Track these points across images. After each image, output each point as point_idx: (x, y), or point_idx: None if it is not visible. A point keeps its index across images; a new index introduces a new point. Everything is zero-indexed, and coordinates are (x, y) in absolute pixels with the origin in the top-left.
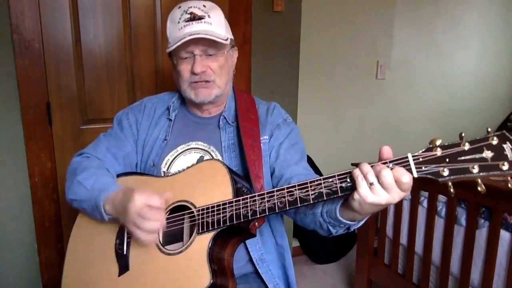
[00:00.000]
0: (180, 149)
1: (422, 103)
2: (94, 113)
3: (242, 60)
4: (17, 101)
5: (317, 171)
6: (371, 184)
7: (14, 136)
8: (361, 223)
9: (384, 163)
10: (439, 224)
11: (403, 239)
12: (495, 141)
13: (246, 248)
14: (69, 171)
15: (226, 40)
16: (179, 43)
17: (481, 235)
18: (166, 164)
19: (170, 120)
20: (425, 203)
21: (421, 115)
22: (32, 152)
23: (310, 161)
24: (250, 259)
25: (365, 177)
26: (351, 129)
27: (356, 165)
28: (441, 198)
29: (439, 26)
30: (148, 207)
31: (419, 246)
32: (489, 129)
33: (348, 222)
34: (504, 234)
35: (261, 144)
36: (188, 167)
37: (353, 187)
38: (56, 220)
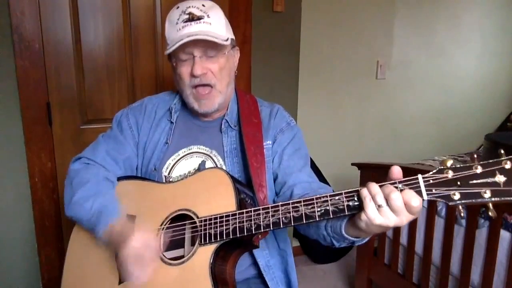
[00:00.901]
0: (181, 153)
1: (422, 103)
2: (94, 113)
3: (242, 60)
4: (17, 101)
5: (317, 171)
6: (379, 206)
7: (14, 136)
8: (366, 239)
9: (393, 184)
10: (439, 224)
11: (403, 239)
12: (508, 165)
13: (251, 253)
14: (66, 180)
15: (227, 40)
16: (177, 45)
17: (481, 235)
18: (167, 168)
19: (172, 122)
20: (425, 203)
21: (421, 115)
22: (32, 152)
23: (310, 162)
24: (253, 263)
25: (373, 198)
26: (351, 129)
27: (357, 165)
28: None
29: (439, 26)
30: (144, 249)
31: (419, 246)
32: (502, 151)
33: (353, 238)
34: (504, 234)
35: (264, 150)
36: (190, 174)
37: (360, 207)
38: (56, 220)
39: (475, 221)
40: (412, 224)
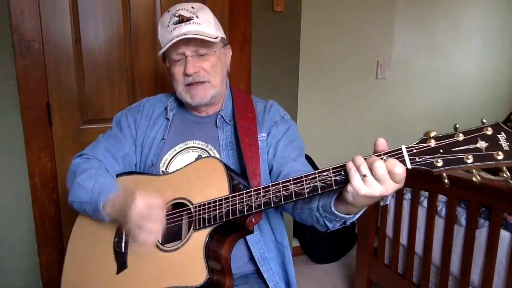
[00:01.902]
0: (178, 148)
1: (422, 103)
2: (94, 113)
3: (242, 60)
4: (17, 101)
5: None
6: (364, 176)
7: (14, 136)
8: (357, 216)
9: (378, 155)
10: (439, 224)
11: (403, 239)
12: (489, 132)
13: (248, 247)
14: (69, 173)
15: (216, 38)
16: (168, 45)
17: (481, 235)
18: (164, 163)
19: (168, 119)
20: (425, 203)
21: (421, 115)
22: (32, 152)
23: (310, 161)
24: (251, 258)
25: (358, 169)
26: (351, 129)
27: None
28: (441, 198)
29: (439, 26)
30: (150, 208)
31: (419, 246)
32: (484, 120)
33: (343, 215)
34: (504, 234)
35: (259, 142)
36: (186, 165)
37: (347, 180)
38: (56, 220)
39: (475, 221)
40: (412, 224)
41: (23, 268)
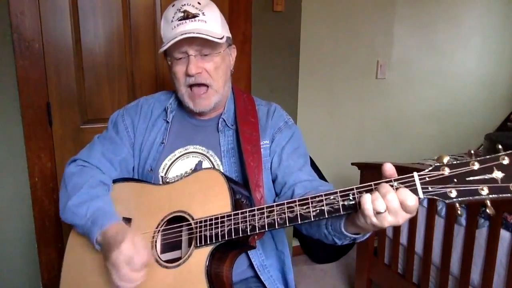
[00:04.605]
0: (178, 153)
1: (422, 102)
2: (94, 113)
3: (242, 60)
4: (17, 101)
5: (317, 171)
6: (378, 213)
7: (14, 136)
8: (367, 236)
9: (389, 182)
10: (439, 224)
11: (403, 239)
12: (505, 161)
13: (247, 254)
14: (62, 183)
15: (222, 38)
16: (170, 43)
17: (481, 234)
18: (163, 169)
19: (168, 122)
20: (425, 203)
21: (421, 115)
22: (32, 152)
23: (310, 161)
24: (250, 265)
25: (373, 202)
26: (351, 129)
27: (357, 165)
28: None
29: (439, 26)
30: (129, 263)
31: (419, 246)
32: (500, 146)
33: (354, 235)
34: (504, 234)
35: (262, 149)
36: (186, 175)
37: (355, 206)
38: (56, 220)
39: (475, 221)
40: (412, 224)
41: (23, 268)
